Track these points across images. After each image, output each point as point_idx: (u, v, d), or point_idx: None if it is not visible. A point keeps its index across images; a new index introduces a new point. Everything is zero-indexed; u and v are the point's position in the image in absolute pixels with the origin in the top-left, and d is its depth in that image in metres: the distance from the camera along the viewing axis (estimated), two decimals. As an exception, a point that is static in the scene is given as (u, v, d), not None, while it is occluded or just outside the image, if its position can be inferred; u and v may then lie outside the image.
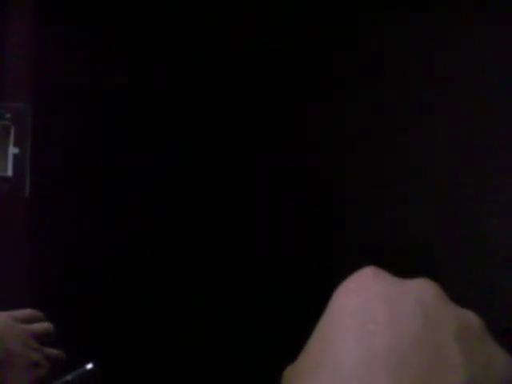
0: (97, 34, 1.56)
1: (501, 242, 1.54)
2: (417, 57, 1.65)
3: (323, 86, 1.68)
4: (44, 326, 0.76)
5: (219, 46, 1.65)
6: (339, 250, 1.63)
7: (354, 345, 0.27)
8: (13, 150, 1.35)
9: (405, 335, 0.27)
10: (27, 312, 0.76)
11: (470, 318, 0.29)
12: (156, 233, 1.61)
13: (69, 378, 0.73)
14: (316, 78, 1.69)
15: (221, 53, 1.66)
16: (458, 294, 0.30)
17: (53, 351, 0.74)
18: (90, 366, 0.74)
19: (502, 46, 1.59)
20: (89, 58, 1.56)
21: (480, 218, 1.56)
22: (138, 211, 1.59)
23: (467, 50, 1.61)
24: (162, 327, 1.58)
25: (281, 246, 1.66)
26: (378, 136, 1.67)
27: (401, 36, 1.66)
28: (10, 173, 1.35)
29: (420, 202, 1.62)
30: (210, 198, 1.66)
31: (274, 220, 1.67)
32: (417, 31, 1.65)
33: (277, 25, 1.66)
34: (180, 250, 1.63)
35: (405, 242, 1.60)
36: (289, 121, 1.68)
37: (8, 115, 1.36)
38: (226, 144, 1.68)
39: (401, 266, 0.32)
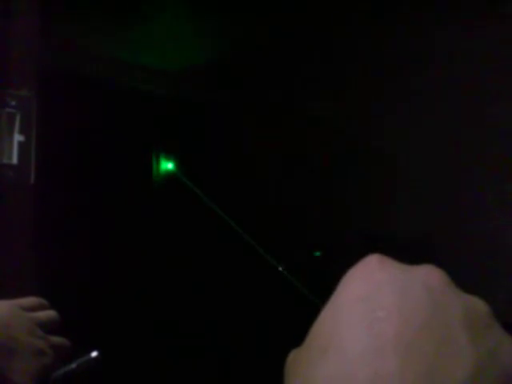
0: (100, 23, 1.55)
1: (502, 238, 1.54)
2: (414, 61, 1.65)
3: (325, 84, 1.68)
4: (49, 314, 0.75)
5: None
6: (343, 242, 1.63)
7: (362, 331, 0.27)
8: (18, 138, 1.35)
9: (413, 321, 0.27)
10: (32, 300, 0.76)
11: (477, 304, 0.29)
12: (159, 222, 1.61)
13: (73, 366, 0.73)
14: (318, 75, 1.69)
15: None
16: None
17: (57, 339, 0.74)
18: (94, 354, 0.74)
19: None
20: (95, 46, 1.56)
21: (482, 215, 1.55)
22: (142, 199, 1.59)
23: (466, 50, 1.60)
24: (165, 318, 1.58)
25: (288, 237, 1.66)
26: (381, 136, 1.67)
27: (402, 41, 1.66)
28: (15, 160, 1.35)
29: (421, 199, 1.62)
30: (216, 196, 1.66)
31: (282, 214, 1.67)
32: (414, 38, 1.64)
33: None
34: (182, 241, 1.63)
35: (406, 236, 1.60)
36: (295, 120, 1.68)
37: (13, 103, 1.36)
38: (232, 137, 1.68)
39: (402, 260, 0.32)
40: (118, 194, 1.57)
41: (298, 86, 1.75)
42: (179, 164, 1.82)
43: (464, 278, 0.37)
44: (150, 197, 1.62)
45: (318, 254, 1.64)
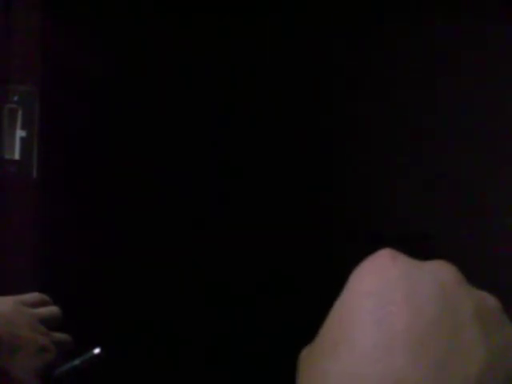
0: (103, 19, 1.55)
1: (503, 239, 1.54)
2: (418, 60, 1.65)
3: (330, 84, 1.68)
4: (51, 310, 0.75)
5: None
6: (352, 238, 1.63)
7: (372, 326, 0.27)
8: (20, 134, 1.35)
9: (423, 316, 0.27)
10: (34, 296, 0.75)
11: (488, 299, 0.29)
12: (163, 217, 1.61)
13: (76, 362, 0.73)
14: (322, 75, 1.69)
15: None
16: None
17: (60, 336, 0.74)
18: (97, 350, 0.73)
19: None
20: (97, 42, 1.55)
21: (493, 212, 1.56)
22: (147, 194, 1.59)
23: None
24: (168, 317, 1.58)
25: (294, 233, 1.66)
26: (382, 136, 1.67)
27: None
28: (17, 156, 1.35)
29: (421, 198, 1.62)
30: (218, 188, 1.66)
31: (289, 209, 1.67)
32: (418, 38, 1.64)
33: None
34: (187, 236, 1.63)
35: (413, 235, 1.60)
36: (300, 116, 1.68)
37: (15, 98, 1.36)
38: (233, 138, 1.68)
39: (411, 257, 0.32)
40: (120, 190, 1.57)
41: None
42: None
43: (475, 275, 0.36)
44: (151, 194, 1.62)
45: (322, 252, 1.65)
